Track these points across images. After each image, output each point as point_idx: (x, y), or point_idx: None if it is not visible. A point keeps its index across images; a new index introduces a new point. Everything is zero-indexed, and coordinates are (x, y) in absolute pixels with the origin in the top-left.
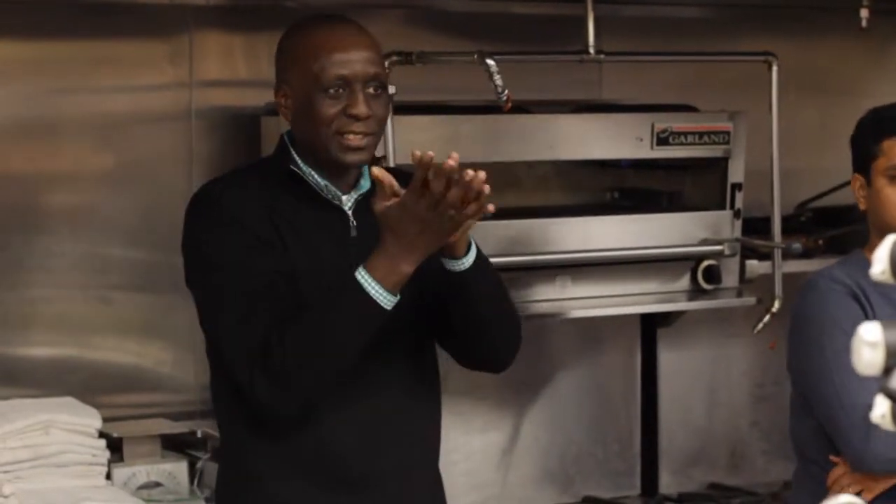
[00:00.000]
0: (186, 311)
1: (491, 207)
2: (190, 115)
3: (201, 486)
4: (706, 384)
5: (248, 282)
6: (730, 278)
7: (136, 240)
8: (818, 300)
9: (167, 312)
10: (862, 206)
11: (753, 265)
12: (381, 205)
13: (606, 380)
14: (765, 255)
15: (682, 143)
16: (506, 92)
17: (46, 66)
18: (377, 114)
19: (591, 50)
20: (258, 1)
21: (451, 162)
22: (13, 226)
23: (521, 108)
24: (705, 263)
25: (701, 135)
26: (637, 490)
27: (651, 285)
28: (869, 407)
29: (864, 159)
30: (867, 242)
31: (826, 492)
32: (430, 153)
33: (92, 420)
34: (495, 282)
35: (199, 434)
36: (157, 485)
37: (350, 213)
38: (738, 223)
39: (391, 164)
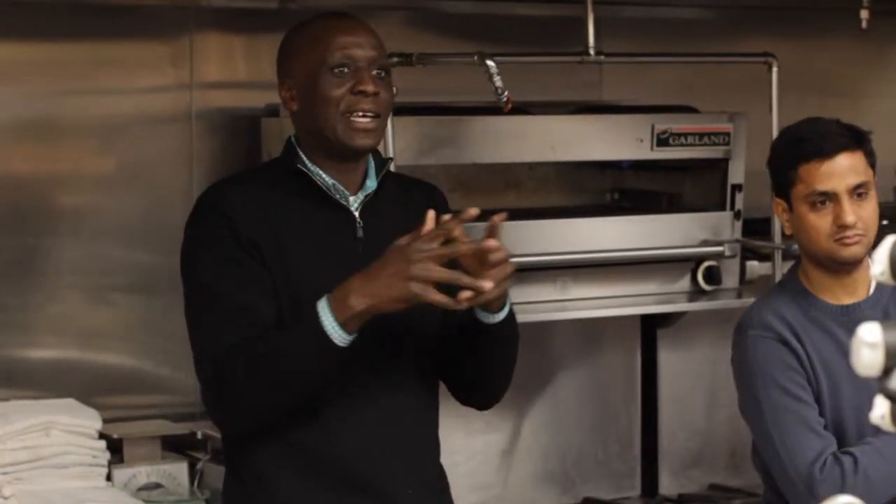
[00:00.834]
0: None
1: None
2: (190, 116)
3: (201, 487)
4: (706, 385)
5: (221, 304)
6: (730, 279)
7: (137, 241)
8: (748, 350)
9: (167, 314)
10: (787, 231)
11: (754, 266)
12: (399, 238)
13: (607, 381)
14: (765, 257)
15: (682, 145)
16: (506, 93)
17: (47, 68)
18: (384, 96)
19: (591, 51)
20: (259, 3)
21: (472, 212)
22: (14, 227)
23: (521, 109)
24: (705, 264)
25: (701, 136)
26: (637, 491)
27: (651, 286)
28: (809, 464)
29: (782, 185)
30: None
31: None
32: (474, 211)
33: (92, 421)
34: (513, 341)
35: (199, 435)
36: (158, 486)
37: (357, 213)
38: (739, 224)
39: (393, 167)
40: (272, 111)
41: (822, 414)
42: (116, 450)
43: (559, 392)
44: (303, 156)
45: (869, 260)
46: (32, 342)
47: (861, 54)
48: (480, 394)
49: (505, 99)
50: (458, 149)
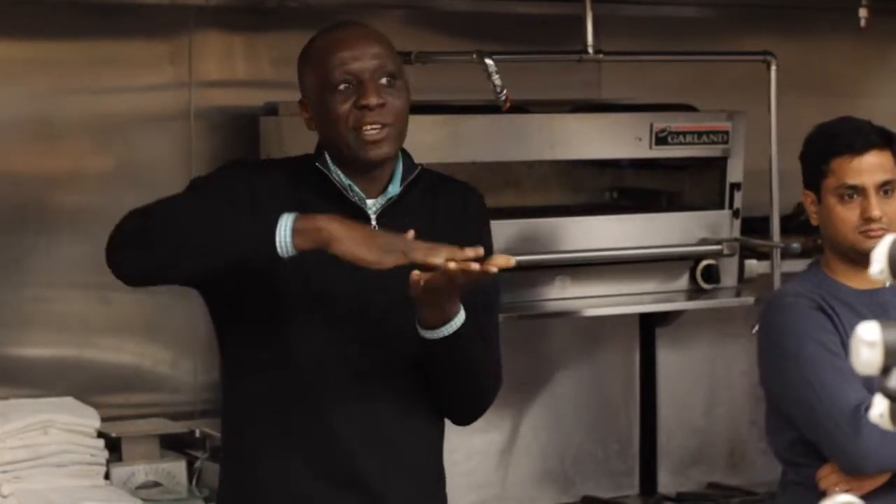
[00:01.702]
0: (186, 311)
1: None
2: (189, 115)
3: (200, 486)
4: (705, 384)
5: (199, 192)
6: (729, 278)
7: None
8: (785, 314)
9: (166, 312)
10: (814, 223)
11: (752, 265)
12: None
13: (605, 379)
14: (763, 255)
15: (680, 143)
16: (504, 91)
17: (46, 67)
18: (392, 104)
19: (590, 50)
20: (258, 1)
21: (501, 262)
22: (13, 225)
23: (519, 107)
24: (704, 263)
25: (700, 134)
26: (636, 490)
27: (650, 285)
28: (853, 407)
29: (813, 177)
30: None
31: (811, 496)
32: (511, 261)
33: (91, 420)
34: (467, 364)
35: (197, 434)
36: (156, 484)
37: (374, 216)
38: (737, 223)
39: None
40: (271, 110)
41: None
42: (115, 448)
43: (558, 391)
44: (327, 157)
45: None
46: (31, 341)
47: (860, 53)
48: (449, 411)
49: (504, 97)
50: (456, 147)
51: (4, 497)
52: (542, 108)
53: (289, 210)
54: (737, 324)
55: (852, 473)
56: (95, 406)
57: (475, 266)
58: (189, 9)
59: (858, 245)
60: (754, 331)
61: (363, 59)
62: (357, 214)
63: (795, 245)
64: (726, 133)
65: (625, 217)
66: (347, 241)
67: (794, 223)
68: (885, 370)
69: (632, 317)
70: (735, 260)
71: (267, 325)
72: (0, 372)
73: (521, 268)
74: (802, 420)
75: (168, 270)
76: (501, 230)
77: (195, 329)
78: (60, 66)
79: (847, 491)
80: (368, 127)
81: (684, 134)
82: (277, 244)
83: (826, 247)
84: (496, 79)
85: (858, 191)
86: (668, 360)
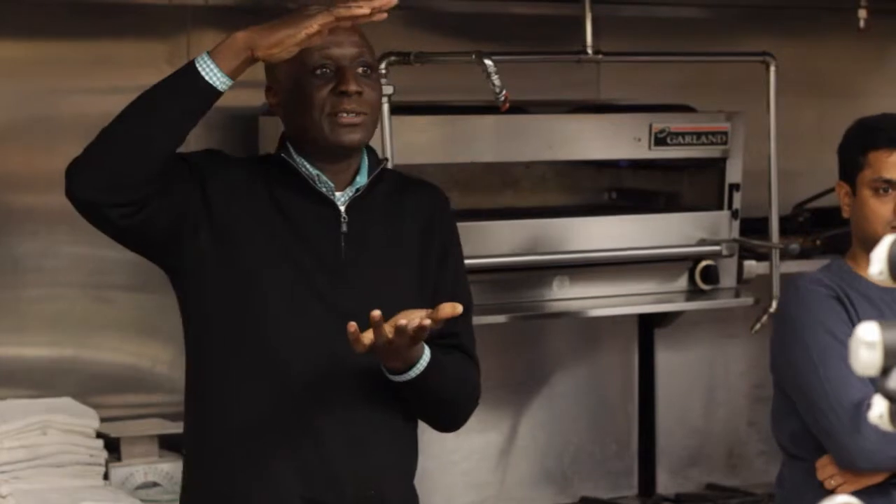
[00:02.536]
0: None
1: None
2: None
3: None
4: (704, 384)
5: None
6: (727, 279)
7: None
8: (801, 301)
9: (164, 312)
10: (845, 214)
11: (751, 265)
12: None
13: (604, 380)
14: (762, 256)
15: (679, 144)
16: (503, 92)
17: (44, 66)
18: (368, 94)
19: (589, 50)
20: (256, 1)
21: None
22: (10, 225)
23: (518, 108)
24: (703, 264)
25: (699, 135)
26: (634, 490)
27: (649, 285)
28: (855, 403)
29: (849, 169)
30: (849, 249)
31: (811, 485)
32: (459, 308)
33: (89, 420)
34: (439, 391)
35: None
36: (155, 485)
37: (343, 208)
38: (736, 223)
39: (390, 166)
40: (269, 110)
41: None
42: (114, 449)
43: (556, 391)
44: (290, 146)
45: None
46: (29, 341)
47: (859, 54)
48: (427, 423)
49: (503, 98)
50: (455, 148)
51: (3, 497)
52: (541, 108)
53: (264, 205)
54: (736, 325)
55: (847, 469)
56: (94, 406)
57: (428, 322)
58: (187, 8)
59: None
60: (754, 331)
61: (343, 46)
62: (326, 205)
63: (794, 246)
64: (725, 134)
65: (624, 218)
66: (263, 31)
67: (794, 224)
68: (885, 371)
69: (630, 317)
70: (734, 261)
71: (244, 329)
72: None
73: (520, 268)
74: (805, 408)
75: (123, 178)
76: (500, 231)
77: None
78: (58, 65)
79: (842, 485)
80: (345, 113)
81: (683, 134)
82: (204, 75)
83: (854, 240)
84: (495, 79)
85: (893, 185)
86: (667, 360)
